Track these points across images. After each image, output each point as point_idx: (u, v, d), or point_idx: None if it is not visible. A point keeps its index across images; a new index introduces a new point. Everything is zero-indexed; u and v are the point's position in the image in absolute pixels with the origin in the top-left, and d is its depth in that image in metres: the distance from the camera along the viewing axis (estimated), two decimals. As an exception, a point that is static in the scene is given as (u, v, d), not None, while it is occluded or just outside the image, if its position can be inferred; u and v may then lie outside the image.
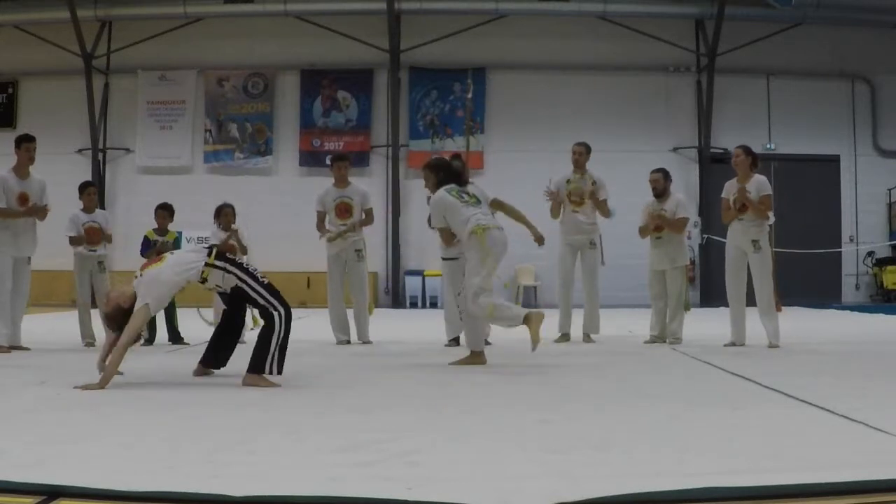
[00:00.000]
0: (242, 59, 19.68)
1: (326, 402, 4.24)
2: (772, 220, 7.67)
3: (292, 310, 4.99)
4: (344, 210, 8.37)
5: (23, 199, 7.17)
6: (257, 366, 4.86)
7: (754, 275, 7.61)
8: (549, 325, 8.67)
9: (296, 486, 2.41)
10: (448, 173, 6.43)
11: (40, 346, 7.51)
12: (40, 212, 7.24)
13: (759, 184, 7.61)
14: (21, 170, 7.26)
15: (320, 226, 8.49)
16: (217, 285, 5.02)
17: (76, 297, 7.96)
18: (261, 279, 4.99)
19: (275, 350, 4.86)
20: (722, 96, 18.99)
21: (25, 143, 7.27)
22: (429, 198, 6.76)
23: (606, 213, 8.42)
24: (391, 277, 19.06)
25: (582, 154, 8.44)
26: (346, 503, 2.30)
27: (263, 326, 4.96)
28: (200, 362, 5.38)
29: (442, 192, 6.20)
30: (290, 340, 4.97)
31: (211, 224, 8.52)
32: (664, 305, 8.13)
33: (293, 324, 4.98)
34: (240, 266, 5.03)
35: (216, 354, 5.42)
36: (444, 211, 6.16)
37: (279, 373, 4.87)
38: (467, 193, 6.24)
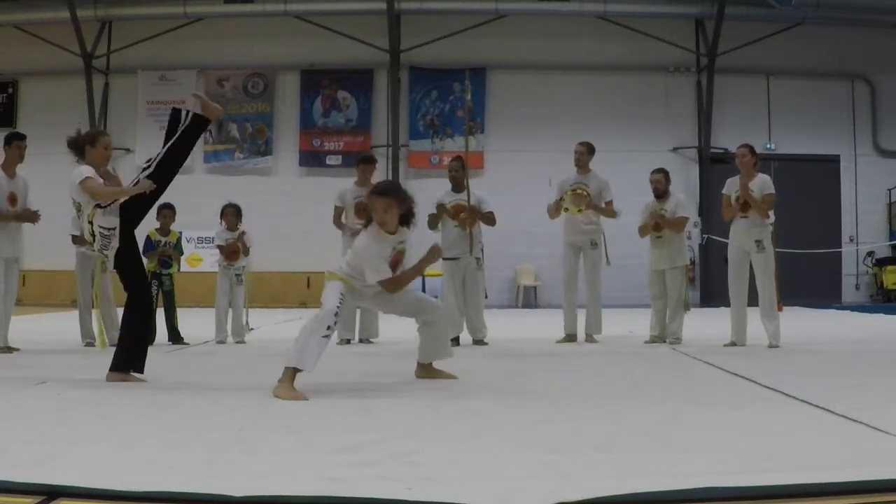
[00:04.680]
0: (242, 59, 19.68)
1: (326, 402, 4.23)
2: (772, 219, 7.67)
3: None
4: (362, 210, 8.41)
5: (12, 199, 7.07)
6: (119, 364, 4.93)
7: (757, 275, 7.60)
8: (554, 324, 8.68)
9: (296, 486, 2.41)
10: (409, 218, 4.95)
11: (40, 347, 7.51)
12: (33, 217, 7.18)
13: (763, 182, 7.60)
14: (9, 169, 7.11)
15: (337, 221, 8.48)
16: (101, 228, 5.05)
17: (77, 297, 7.96)
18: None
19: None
20: (722, 96, 18.99)
21: (17, 141, 7.09)
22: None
23: (611, 214, 8.34)
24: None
25: (583, 154, 8.38)
26: (346, 503, 2.30)
27: (130, 315, 5.03)
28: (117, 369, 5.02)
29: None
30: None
31: (213, 224, 8.56)
32: (664, 305, 8.13)
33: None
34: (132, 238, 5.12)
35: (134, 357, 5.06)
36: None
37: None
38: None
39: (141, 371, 5.05)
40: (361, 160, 8.74)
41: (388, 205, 4.79)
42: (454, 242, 8.08)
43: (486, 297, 8.49)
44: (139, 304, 5.18)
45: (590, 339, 8.22)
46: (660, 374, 5.60)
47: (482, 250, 8.29)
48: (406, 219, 4.90)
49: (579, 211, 8.21)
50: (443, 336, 5.19)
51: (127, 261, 5.14)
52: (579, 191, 8.21)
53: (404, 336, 9.22)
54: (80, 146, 5.34)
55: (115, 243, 5.01)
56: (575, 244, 8.37)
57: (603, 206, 8.29)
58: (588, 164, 8.39)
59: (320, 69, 19.74)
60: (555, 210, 8.38)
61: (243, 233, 8.48)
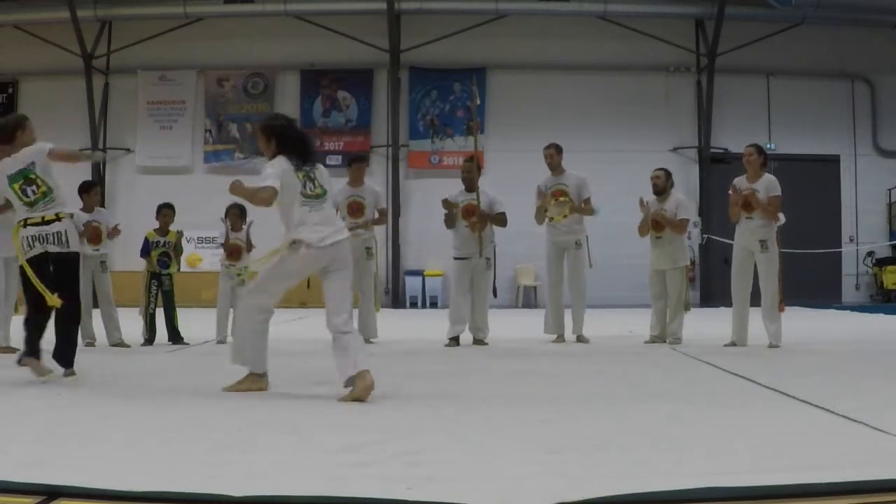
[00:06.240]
0: (242, 59, 19.67)
1: (326, 401, 4.24)
2: (782, 220, 7.66)
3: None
4: (356, 209, 8.41)
5: None
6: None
7: (761, 275, 7.59)
8: (538, 325, 8.67)
9: (296, 486, 2.41)
10: (291, 142, 4.69)
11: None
12: None
13: (769, 183, 7.59)
14: None
15: None
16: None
17: (76, 297, 7.93)
18: None
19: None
20: (722, 96, 18.98)
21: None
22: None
23: (590, 212, 8.32)
24: (391, 277, 19.06)
25: (553, 156, 8.37)
26: (346, 503, 2.30)
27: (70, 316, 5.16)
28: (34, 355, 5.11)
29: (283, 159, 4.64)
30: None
31: (213, 224, 8.55)
32: (664, 305, 8.12)
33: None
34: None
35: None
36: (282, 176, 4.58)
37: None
38: (313, 181, 4.70)
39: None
40: (352, 160, 8.79)
41: (259, 139, 4.81)
42: (464, 242, 8.09)
43: (496, 296, 8.48)
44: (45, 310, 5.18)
45: (581, 339, 8.21)
46: (660, 374, 5.60)
47: (494, 250, 8.28)
48: (284, 145, 4.66)
49: (564, 217, 8.22)
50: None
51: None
52: (562, 199, 8.21)
53: (404, 336, 9.23)
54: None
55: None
56: (559, 244, 8.37)
57: (582, 205, 8.29)
58: (560, 164, 8.38)
59: (320, 69, 19.74)
60: (540, 217, 8.37)
61: (252, 222, 8.44)
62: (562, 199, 8.21)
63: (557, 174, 8.37)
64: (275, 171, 4.53)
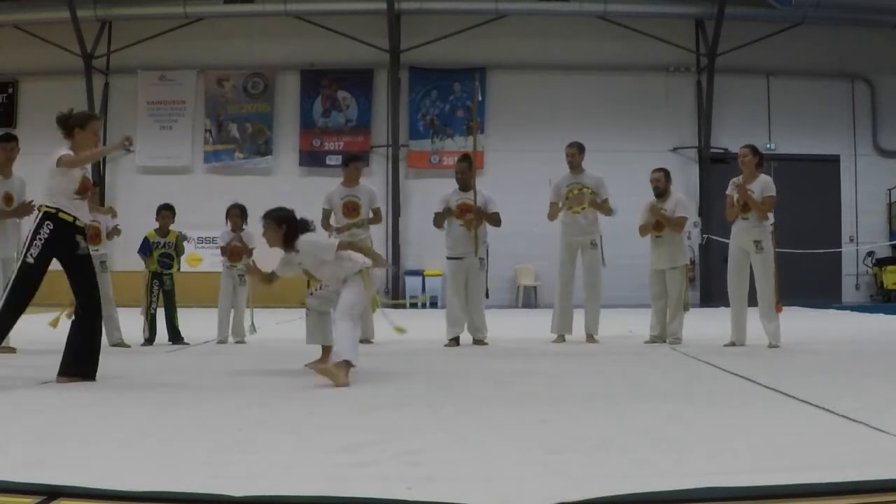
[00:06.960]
0: (242, 59, 19.69)
1: (326, 402, 4.23)
2: (771, 220, 7.67)
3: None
4: (351, 209, 8.38)
5: (7, 198, 7.15)
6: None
7: (756, 275, 7.61)
8: (544, 323, 8.68)
9: (296, 486, 2.41)
10: (294, 225, 5.51)
11: (40, 347, 7.51)
12: (27, 209, 7.18)
13: (763, 184, 7.60)
14: (3, 169, 7.21)
15: (325, 223, 8.46)
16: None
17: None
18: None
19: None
20: (722, 96, 19.00)
21: (2, 143, 7.22)
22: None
23: (608, 212, 8.35)
24: (391, 277, 19.06)
25: (575, 155, 8.37)
26: (346, 503, 2.30)
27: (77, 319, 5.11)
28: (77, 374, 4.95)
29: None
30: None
31: (213, 224, 8.53)
32: (664, 305, 8.12)
33: None
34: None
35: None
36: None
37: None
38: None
39: (91, 378, 4.96)
40: (348, 160, 8.77)
41: (265, 227, 5.52)
42: (458, 242, 8.08)
43: (488, 296, 8.47)
44: (85, 312, 5.16)
45: (591, 339, 8.21)
46: (660, 374, 5.60)
47: (487, 250, 8.28)
48: (290, 237, 5.42)
49: (582, 209, 8.21)
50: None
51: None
52: (585, 190, 8.21)
53: (403, 336, 9.22)
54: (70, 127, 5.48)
55: None
56: (574, 244, 8.36)
57: (599, 202, 8.29)
58: (581, 163, 8.38)
59: (320, 69, 19.75)
60: (554, 214, 8.37)
61: (242, 230, 8.42)
62: (576, 191, 8.19)
63: (577, 173, 8.36)
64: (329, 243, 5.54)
